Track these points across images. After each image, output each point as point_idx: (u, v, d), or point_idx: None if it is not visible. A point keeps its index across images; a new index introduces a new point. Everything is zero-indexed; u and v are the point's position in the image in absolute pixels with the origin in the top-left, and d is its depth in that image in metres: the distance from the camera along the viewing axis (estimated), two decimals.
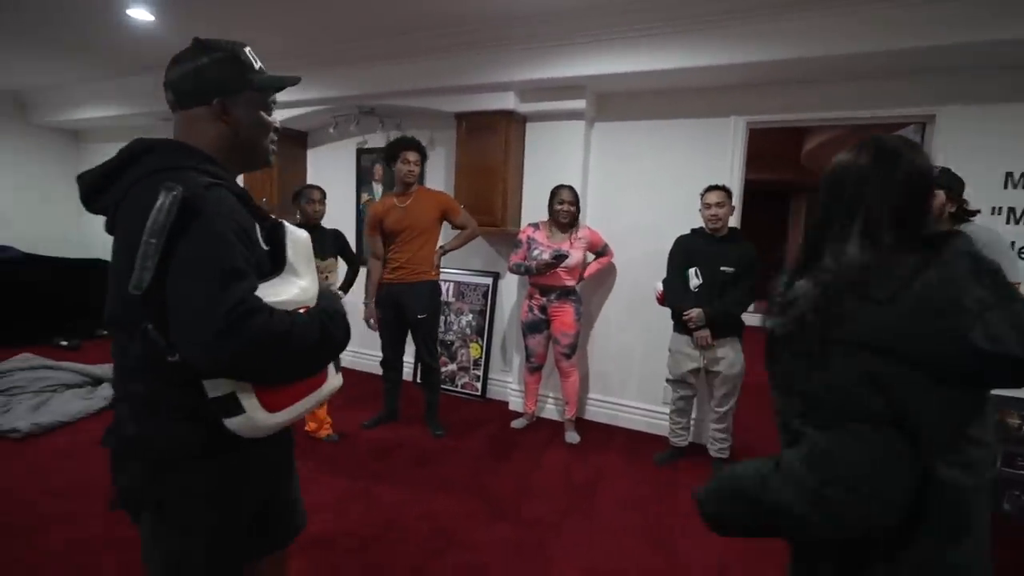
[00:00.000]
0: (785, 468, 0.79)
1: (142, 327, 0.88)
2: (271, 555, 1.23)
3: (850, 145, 0.90)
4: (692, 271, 2.76)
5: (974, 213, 2.11)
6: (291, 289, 0.96)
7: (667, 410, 3.15)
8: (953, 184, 2.04)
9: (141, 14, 3.23)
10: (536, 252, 3.06)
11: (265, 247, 0.97)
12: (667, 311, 2.92)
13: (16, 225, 5.76)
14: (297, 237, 1.03)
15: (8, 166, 5.78)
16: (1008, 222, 2.63)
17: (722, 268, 2.70)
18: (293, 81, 1.07)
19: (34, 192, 5.99)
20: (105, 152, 4.29)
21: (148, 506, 0.97)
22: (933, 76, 2.71)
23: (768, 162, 6.35)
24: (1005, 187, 2.64)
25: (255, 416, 0.92)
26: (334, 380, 1.10)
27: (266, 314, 0.86)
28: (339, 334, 1.01)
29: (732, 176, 3.12)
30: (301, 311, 0.95)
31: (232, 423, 0.91)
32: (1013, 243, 2.60)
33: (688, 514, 2.45)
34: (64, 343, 4.65)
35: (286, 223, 1.04)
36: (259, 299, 0.87)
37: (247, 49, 1.03)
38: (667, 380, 3.01)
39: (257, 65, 1.03)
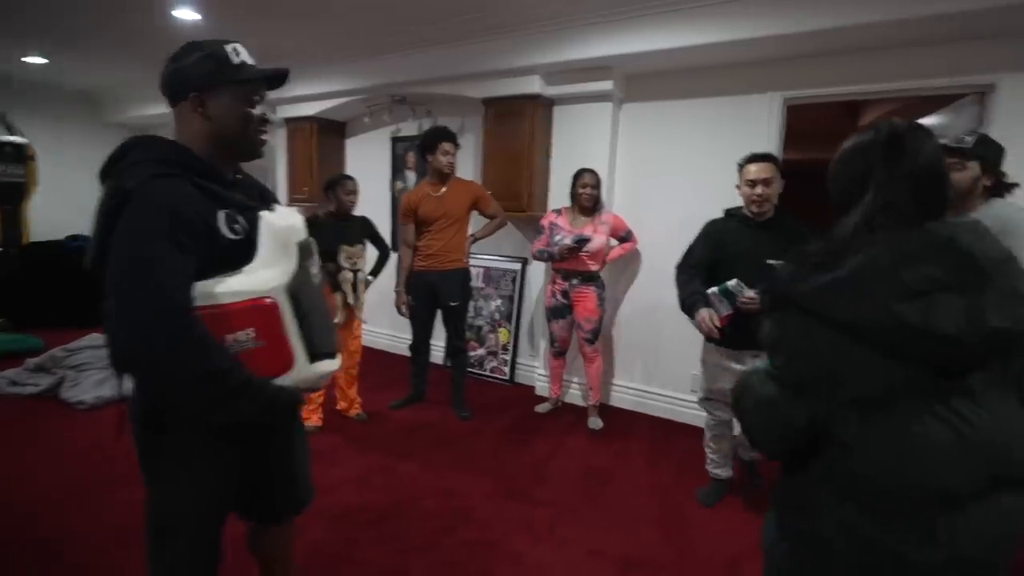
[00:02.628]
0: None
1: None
2: (275, 525, 1.33)
3: (867, 127, 0.92)
4: (733, 283, 2.06)
5: (1010, 187, 1.83)
6: (249, 279, 1.01)
7: (694, 398, 3.07)
8: (989, 155, 1.78)
9: (187, 14, 3.41)
10: (558, 237, 3.05)
11: (232, 236, 1.01)
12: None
13: (89, 216, 6.26)
14: (270, 224, 1.06)
15: (84, 162, 6.25)
16: None
17: (768, 262, 2.11)
18: (261, 72, 1.08)
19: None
20: None
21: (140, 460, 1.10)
22: (992, 41, 2.47)
23: (820, 140, 5.99)
24: None
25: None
26: (304, 372, 1.08)
27: (176, 312, 0.90)
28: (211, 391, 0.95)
29: None
30: (249, 334, 0.98)
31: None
32: None
33: (705, 507, 2.41)
34: None
35: (265, 213, 1.08)
36: (177, 303, 0.91)
37: (232, 46, 1.06)
38: (700, 400, 2.47)
39: (237, 61, 1.06)
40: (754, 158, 2.18)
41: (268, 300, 1.01)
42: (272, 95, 4.85)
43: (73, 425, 2.97)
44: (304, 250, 1.12)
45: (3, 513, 2.14)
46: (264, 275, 1.02)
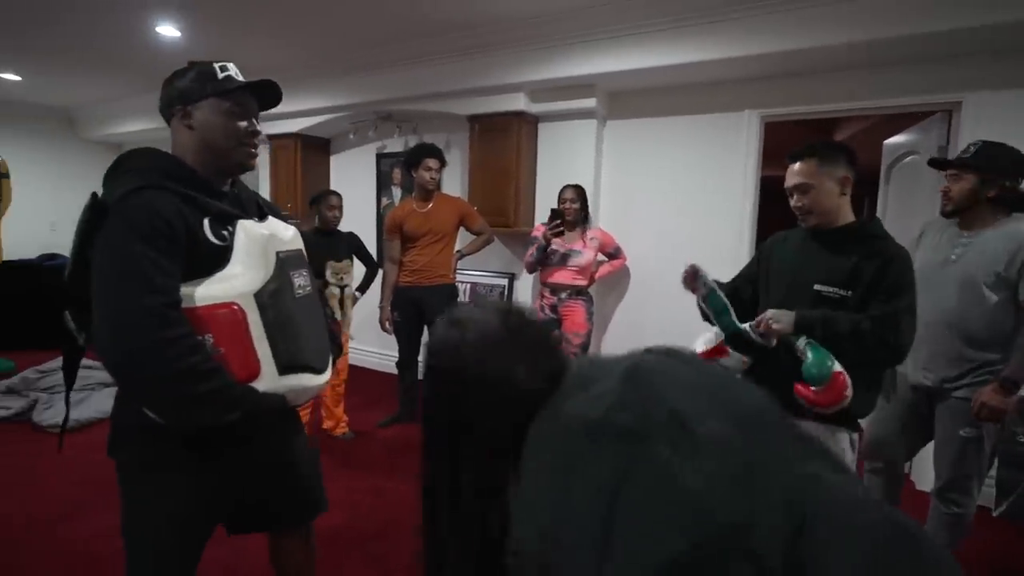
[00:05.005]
0: None
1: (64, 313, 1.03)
2: (287, 536, 1.36)
3: None
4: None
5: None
6: (217, 285, 1.02)
7: None
8: (986, 164, 1.67)
9: (169, 31, 3.40)
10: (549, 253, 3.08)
11: (218, 242, 1.04)
12: (673, 309, 2.84)
13: (64, 234, 6.13)
14: (248, 232, 1.08)
15: (58, 179, 6.16)
16: None
17: (816, 287, 1.48)
18: (239, 83, 1.10)
19: (81, 203, 6.33)
20: None
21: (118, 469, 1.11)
22: (958, 61, 2.59)
23: None
24: None
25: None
26: (271, 383, 1.06)
27: (154, 321, 0.92)
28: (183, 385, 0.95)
29: (746, 174, 3.06)
30: (208, 339, 0.99)
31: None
32: None
33: None
34: None
35: (244, 221, 1.10)
36: (150, 305, 0.92)
37: (220, 64, 1.10)
38: None
39: (222, 76, 1.09)
40: (791, 155, 1.53)
41: (234, 306, 1.01)
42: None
43: (47, 449, 2.86)
44: (288, 261, 1.12)
45: None
46: (232, 282, 1.02)
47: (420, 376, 3.18)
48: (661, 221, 3.32)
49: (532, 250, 3.12)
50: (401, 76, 3.70)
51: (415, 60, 3.59)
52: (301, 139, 4.43)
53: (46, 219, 6.03)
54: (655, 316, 3.34)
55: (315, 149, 4.59)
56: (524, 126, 3.44)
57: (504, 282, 3.94)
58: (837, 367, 1.34)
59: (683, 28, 2.80)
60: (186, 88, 1.08)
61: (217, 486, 1.12)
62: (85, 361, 3.97)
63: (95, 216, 0.96)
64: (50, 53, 3.99)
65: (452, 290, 3.22)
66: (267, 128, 4.55)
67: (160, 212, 0.97)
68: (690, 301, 2.95)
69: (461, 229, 3.24)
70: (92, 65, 4.24)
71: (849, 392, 1.34)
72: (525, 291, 3.83)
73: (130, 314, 0.91)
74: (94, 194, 0.98)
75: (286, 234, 1.16)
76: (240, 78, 1.12)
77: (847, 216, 1.51)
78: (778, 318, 1.44)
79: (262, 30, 3.37)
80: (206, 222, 1.03)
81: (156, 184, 1.00)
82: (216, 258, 1.03)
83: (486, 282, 4.02)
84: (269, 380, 1.05)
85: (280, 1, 2.95)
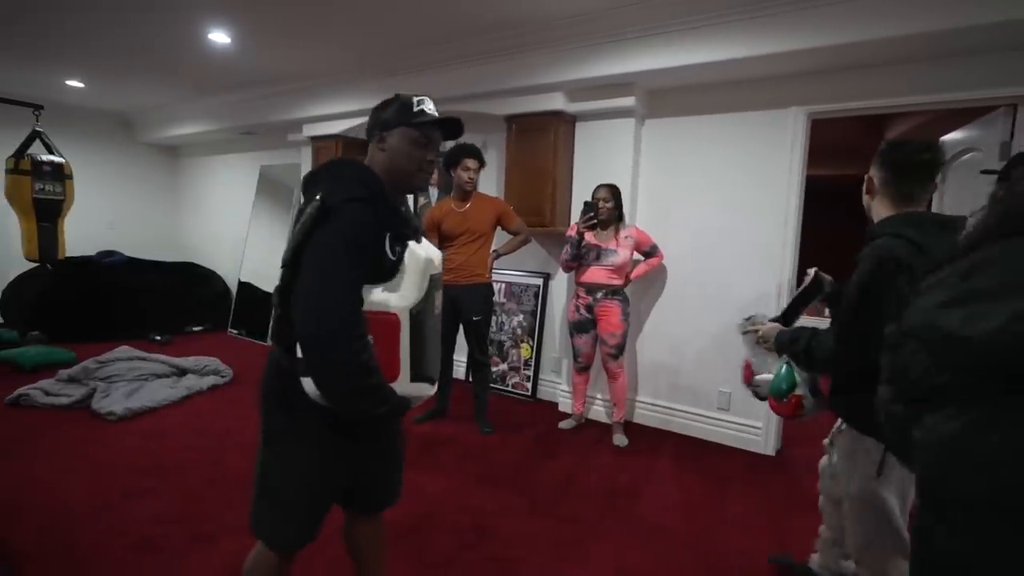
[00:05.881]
0: None
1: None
2: (368, 518, 1.50)
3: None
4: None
5: None
6: (384, 295, 1.17)
7: (721, 416, 3.01)
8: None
9: (220, 37, 3.54)
10: (584, 249, 3.06)
11: (392, 257, 1.19)
12: (720, 310, 2.78)
13: (121, 232, 6.46)
14: (414, 254, 1.23)
15: (116, 179, 6.50)
16: None
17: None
18: (428, 117, 1.25)
19: (137, 202, 6.69)
20: (198, 165, 4.83)
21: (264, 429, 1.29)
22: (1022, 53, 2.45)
23: (842, 156, 5.94)
24: None
25: (308, 382, 1.15)
26: (404, 388, 1.21)
27: (351, 317, 1.09)
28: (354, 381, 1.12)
29: (791, 171, 2.96)
30: (369, 339, 1.14)
31: (304, 381, 1.15)
32: None
33: (736, 524, 2.35)
34: (158, 338, 5.14)
35: (412, 243, 1.24)
36: (348, 301, 1.10)
37: (418, 98, 1.27)
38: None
39: (417, 108, 1.25)
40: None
41: (392, 316, 1.17)
42: (298, 115, 4.92)
43: (103, 436, 3.02)
44: (435, 282, 1.27)
45: (33, 522, 2.17)
46: (398, 295, 1.18)
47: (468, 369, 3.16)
48: (700, 221, 3.25)
49: (567, 247, 3.11)
50: (438, 77, 3.74)
51: (452, 61, 3.62)
52: (342, 141, 4.54)
53: (104, 218, 6.37)
54: (692, 316, 3.27)
55: (355, 150, 4.68)
56: (562, 125, 3.43)
57: (539, 282, 3.94)
58: (798, 391, 1.52)
59: (725, 24, 2.74)
60: (387, 117, 1.26)
61: (344, 468, 1.30)
62: (138, 352, 4.13)
63: (321, 216, 1.10)
64: (111, 61, 4.21)
65: (488, 289, 3.24)
66: (309, 130, 4.68)
67: (366, 223, 1.13)
68: (726, 301, 2.87)
69: (498, 229, 3.25)
70: (149, 72, 4.46)
71: (804, 411, 1.53)
72: (560, 291, 3.82)
73: (334, 308, 1.08)
74: (321, 197, 1.11)
75: (437, 257, 1.30)
76: (433, 112, 1.27)
77: (877, 216, 1.48)
78: (766, 336, 1.55)
79: (306, 35, 3.46)
80: (388, 238, 1.17)
81: (362, 197, 1.14)
82: (387, 271, 1.18)
83: (521, 281, 4.02)
84: (403, 385, 1.20)
85: (324, 8, 3.03)
